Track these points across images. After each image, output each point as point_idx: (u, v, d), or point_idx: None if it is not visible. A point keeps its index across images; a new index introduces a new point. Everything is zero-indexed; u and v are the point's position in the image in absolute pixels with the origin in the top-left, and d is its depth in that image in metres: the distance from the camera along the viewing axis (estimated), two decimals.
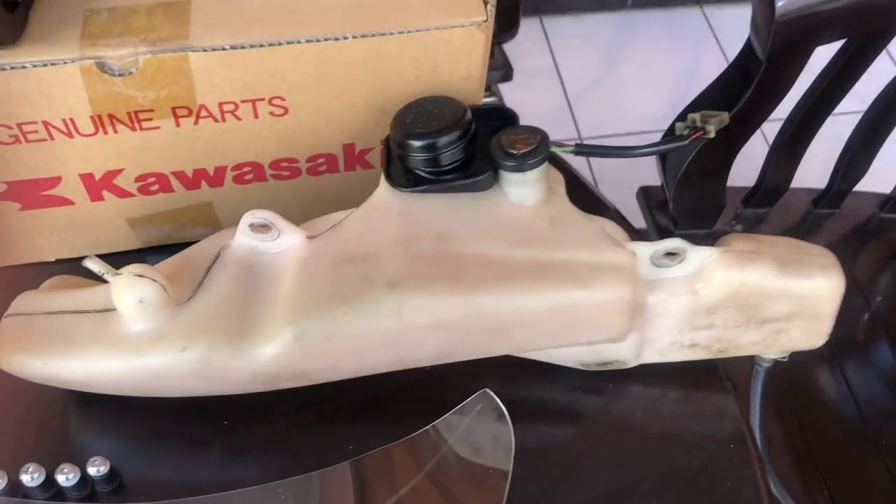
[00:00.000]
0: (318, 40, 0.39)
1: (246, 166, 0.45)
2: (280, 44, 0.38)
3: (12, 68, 0.36)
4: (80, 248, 0.47)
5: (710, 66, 1.53)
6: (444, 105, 0.41)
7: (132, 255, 0.48)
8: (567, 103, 1.48)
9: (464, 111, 0.40)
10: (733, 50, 1.64)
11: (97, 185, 0.43)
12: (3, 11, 0.35)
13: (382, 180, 0.41)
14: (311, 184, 0.47)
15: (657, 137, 0.47)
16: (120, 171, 0.43)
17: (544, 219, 0.40)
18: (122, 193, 0.44)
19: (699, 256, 0.40)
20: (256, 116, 0.42)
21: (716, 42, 1.58)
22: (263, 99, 0.41)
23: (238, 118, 0.41)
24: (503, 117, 0.43)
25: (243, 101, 0.41)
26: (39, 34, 0.37)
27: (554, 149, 0.40)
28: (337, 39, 0.39)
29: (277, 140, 0.43)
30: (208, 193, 0.46)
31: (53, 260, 0.48)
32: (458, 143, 0.40)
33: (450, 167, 0.40)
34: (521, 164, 0.39)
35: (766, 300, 0.42)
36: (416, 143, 0.40)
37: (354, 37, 0.39)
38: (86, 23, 0.38)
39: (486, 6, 0.40)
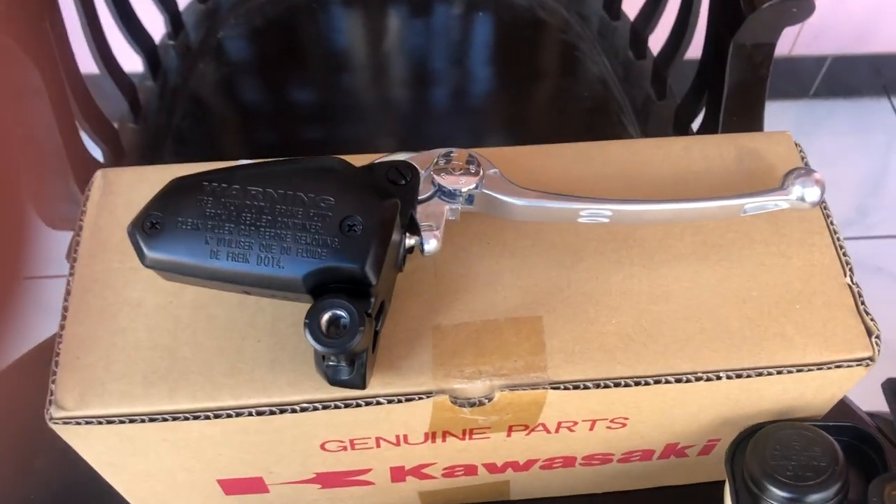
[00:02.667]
0: (687, 380, 0.34)
1: (558, 459, 0.41)
2: (647, 383, 0.34)
3: (367, 404, 0.33)
4: None
5: None
6: (813, 442, 0.36)
7: None
8: None
9: (838, 456, 0.36)
10: None
11: (403, 473, 0.40)
12: (370, 356, 0.32)
13: None
14: (617, 468, 0.43)
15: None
16: (432, 464, 0.40)
17: None
18: (425, 477, 0.41)
19: None
20: (591, 430, 0.38)
21: None
22: (605, 420, 0.37)
23: (571, 431, 0.38)
24: (854, 433, 0.38)
25: (584, 420, 0.37)
26: (389, 357, 0.34)
27: None
28: (709, 380, 0.35)
29: (602, 444, 0.40)
30: (509, 475, 0.42)
31: None
32: (833, 498, 0.35)
33: None
34: None
35: None
36: (783, 494, 0.35)
37: (728, 377, 0.35)
38: (435, 346, 0.35)
39: (871, 337, 0.35)
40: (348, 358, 0.31)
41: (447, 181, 0.36)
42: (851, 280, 0.37)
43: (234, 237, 0.29)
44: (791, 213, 0.39)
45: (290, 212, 0.30)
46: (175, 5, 0.99)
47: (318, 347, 0.29)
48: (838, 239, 0.39)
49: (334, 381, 0.32)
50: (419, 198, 0.35)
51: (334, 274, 0.29)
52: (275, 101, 1.00)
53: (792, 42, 1.43)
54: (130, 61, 0.92)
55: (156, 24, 0.97)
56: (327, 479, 0.40)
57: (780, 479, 0.35)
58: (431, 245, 0.34)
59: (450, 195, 0.36)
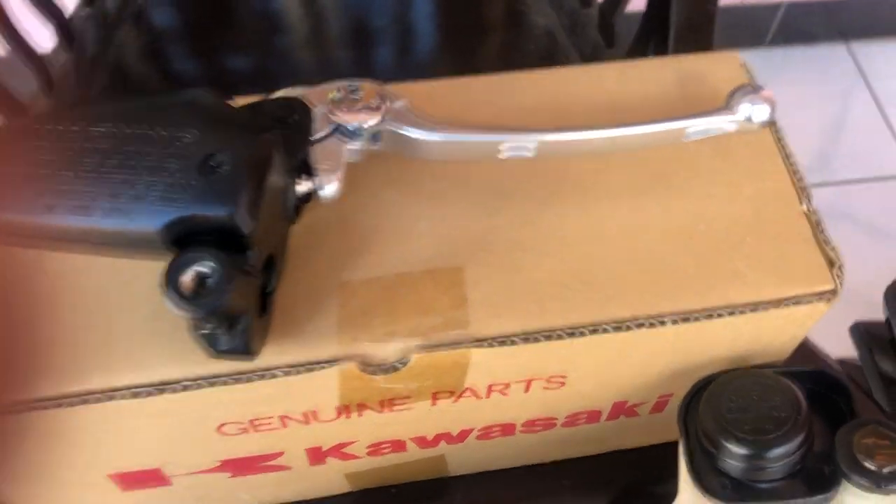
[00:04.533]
0: (628, 327, 0.30)
1: (496, 427, 0.37)
2: (583, 333, 0.30)
3: (260, 377, 0.29)
4: (282, 497, 0.40)
5: (860, 111, 1.41)
6: (772, 391, 0.32)
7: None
8: None
9: (801, 405, 0.32)
10: (884, 91, 1.51)
11: (322, 454, 0.36)
12: (257, 319, 0.28)
13: (686, 477, 0.33)
14: (563, 433, 0.38)
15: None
16: (352, 442, 0.35)
17: None
18: (348, 457, 0.37)
19: None
20: (527, 391, 0.34)
21: (864, 83, 1.45)
22: (541, 378, 0.33)
23: (504, 395, 0.33)
24: (820, 379, 0.35)
25: (517, 381, 0.33)
26: (287, 322, 0.30)
27: None
28: (652, 326, 0.30)
29: (542, 407, 0.35)
30: (443, 448, 0.38)
31: None
32: (796, 451, 0.31)
33: (781, 477, 0.32)
34: (885, 487, 0.31)
35: None
36: (741, 451, 0.31)
37: (674, 321, 0.30)
38: (342, 305, 0.30)
39: (832, 269, 0.32)
40: (225, 323, 0.26)
41: (346, 118, 0.31)
42: (808, 207, 0.33)
43: (72, 187, 0.24)
44: (739, 138, 0.34)
45: (142, 152, 0.25)
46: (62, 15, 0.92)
47: (176, 311, 0.24)
48: (792, 164, 0.35)
49: (216, 352, 0.27)
50: (315, 137, 0.30)
51: (198, 223, 0.25)
52: (205, 67, 0.94)
53: None
54: (40, 37, 0.85)
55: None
56: (236, 467, 0.35)
57: (736, 433, 0.31)
58: (329, 190, 0.30)
59: (349, 134, 0.31)
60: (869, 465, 0.31)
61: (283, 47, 0.97)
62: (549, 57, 0.88)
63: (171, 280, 0.24)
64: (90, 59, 0.89)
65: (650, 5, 0.71)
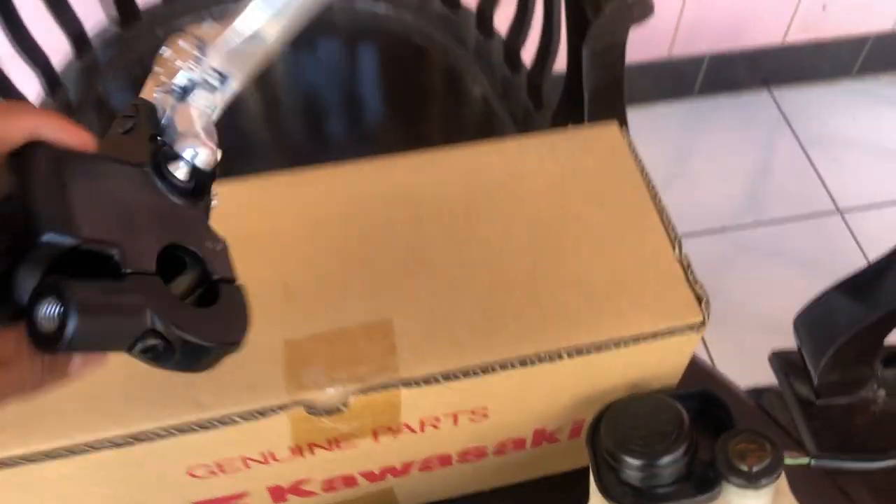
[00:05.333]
0: (532, 362, 0.36)
1: (434, 459, 0.42)
2: (494, 370, 0.36)
3: (222, 424, 0.34)
4: None
5: (785, 153, 1.50)
6: (660, 410, 0.38)
7: None
8: None
9: (683, 420, 0.38)
10: (806, 133, 1.61)
11: (283, 492, 0.41)
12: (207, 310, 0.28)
13: (595, 490, 0.38)
14: (495, 461, 0.44)
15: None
16: (308, 479, 0.40)
17: None
18: (306, 494, 0.42)
19: None
20: (456, 424, 0.39)
21: (787, 125, 1.55)
22: (466, 411, 0.38)
23: (436, 428, 0.39)
24: (705, 398, 0.41)
25: (445, 415, 0.38)
26: (241, 376, 0.35)
27: (788, 461, 0.37)
28: (552, 360, 0.36)
29: (471, 437, 0.41)
30: (391, 482, 0.43)
31: None
32: (682, 459, 0.37)
33: (672, 482, 0.38)
34: (755, 483, 0.36)
35: None
36: (636, 462, 0.37)
37: (569, 355, 0.36)
38: (289, 358, 0.36)
39: (700, 304, 0.38)
40: (153, 334, 0.25)
41: (170, 81, 0.30)
42: (680, 254, 0.39)
43: None
44: (622, 197, 0.41)
45: None
46: (50, 64, 0.99)
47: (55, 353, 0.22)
48: (666, 217, 0.41)
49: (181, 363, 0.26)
50: (163, 122, 0.30)
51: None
52: None
53: (670, 43, 1.49)
54: None
55: (31, 85, 0.96)
56: None
57: (631, 448, 0.37)
58: (203, 156, 0.30)
59: (183, 92, 0.30)
60: (742, 466, 0.36)
61: (239, 124, 1.03)
62: (486, 122, 0.96)
63: (30, 330, 0.22)
64: None
65: (569, 70, 0.78)
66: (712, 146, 1.53)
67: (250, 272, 0.31)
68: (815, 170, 1.47)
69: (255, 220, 0.40)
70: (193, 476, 0.37)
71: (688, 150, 1.52)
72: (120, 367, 0.34)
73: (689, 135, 1.55)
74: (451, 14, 1.06)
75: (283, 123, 1.04)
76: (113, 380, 0.35)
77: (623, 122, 0.77)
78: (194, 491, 0.38)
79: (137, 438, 0.34)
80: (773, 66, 1.59)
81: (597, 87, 0.70)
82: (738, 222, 1.40)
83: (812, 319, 0.67)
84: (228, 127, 1.11)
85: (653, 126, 1.57)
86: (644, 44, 1.47)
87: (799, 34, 1.53)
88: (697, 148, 1.53)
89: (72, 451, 0.33)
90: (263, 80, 1.09)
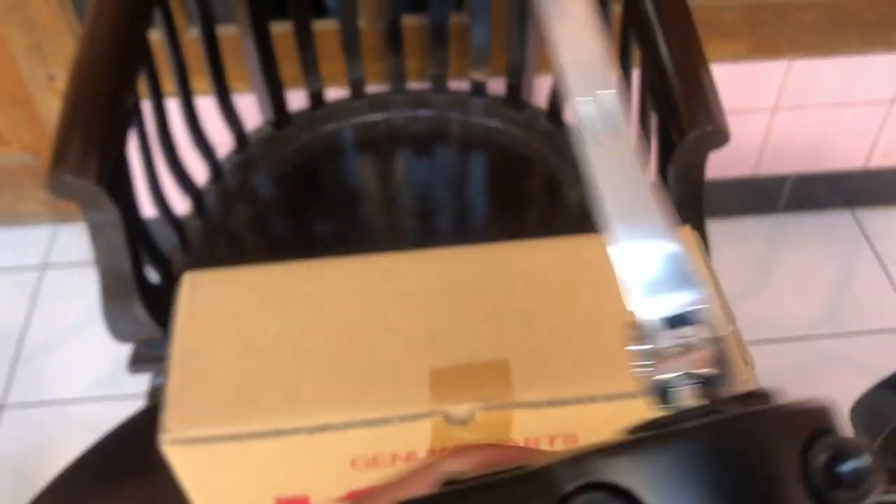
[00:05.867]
0: (630, 397, 0.48)
1: None
2: (594, 401, 0.48)
3: (384, 423, 0.47)
4: None
5: (864, 269, 1.57)
6: None
7: None
8: None
9: None
10: (886, 252, 1.68)
11: None
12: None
13: None
14: None
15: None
16: None
17: None
18: None
19: None
20: (551, 445, 0.51)
21: (868, 245, 1.63)
22: (560, 435, 0.50)
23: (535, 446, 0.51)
24: None
25: (544, 436, 0.50)
26: (401, 390, 0.48)
27: None
28: (633, 398, 0.48)
29: None
30: None
31: None
32: None
33: None
34: None
35: None
36: None
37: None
38: (433, 380, 0.49)
39: (745, 365, 0.49)
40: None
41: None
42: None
43: None
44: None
45: None
46: (215, 157, 1.18)
47: None
48: (728, 308, 0.53)
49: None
50: None
51: None
52: (299, 232, 1.16)
53: (756, 161, 1.60)
54: (180, 205, 1.10)
55: (200, 173, 1.16)
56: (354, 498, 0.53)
57: None
58: None
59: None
60: None
61: (362, 216, 1.19)
62: (580, 224, 1.09)
63: None
64: (214, 225, 1.12)
65: (656, 183, 0.91)
66: (794, 260, 1.62)
67: (406, 322, 0.45)
68: (894, 286, 1.53)
69: (403, 284, 0.54)
70: (354, 466, 0.50)
71: (770, 262, 1.61)
72: (322, 368, 0.48)
73: (772, 248, 1.64)
74: (555, 130, 1.22)
75: (396, 216, 1.20)
76: (321, 376, 0.48)
77: (700, 230, 0.90)
78: (350, 480, 0.51)
79: (370, 423, 0.47)
80: (856, 189, 1.68)
81: (679, 199, 0.82)
82: (815, 332, 1.48)
83: (865, 408, 0.75)
84: (350, 214, 1.29)
85: (738, 239, 1.67)
86: (733, 161, 1.60)
87: (881, 160, 1.63)
88: (779, 261, 1.62)
89: (294, 432, 0.47)
90: (384, 178, 1.26)
